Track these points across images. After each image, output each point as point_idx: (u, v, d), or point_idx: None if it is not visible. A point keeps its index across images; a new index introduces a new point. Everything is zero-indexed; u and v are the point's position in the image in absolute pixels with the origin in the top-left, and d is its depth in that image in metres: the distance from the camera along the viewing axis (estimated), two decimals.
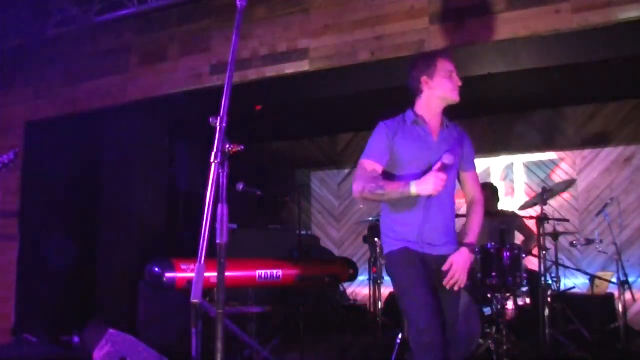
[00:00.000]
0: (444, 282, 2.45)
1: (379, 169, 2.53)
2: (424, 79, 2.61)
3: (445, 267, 2.47)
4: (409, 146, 2.53)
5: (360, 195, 2.48)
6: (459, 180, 2.75)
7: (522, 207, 5.00)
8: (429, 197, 2.43)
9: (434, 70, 2.60)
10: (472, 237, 2.57)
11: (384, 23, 3.93)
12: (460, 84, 2.63)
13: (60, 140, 5.63)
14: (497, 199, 5.18)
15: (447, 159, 2.43)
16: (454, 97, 2.61)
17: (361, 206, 7.23)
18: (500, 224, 4.86)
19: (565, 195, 6.28)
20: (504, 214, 5.11)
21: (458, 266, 2.45)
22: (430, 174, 2.36)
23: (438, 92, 2.60)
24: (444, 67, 2.60)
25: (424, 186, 2.34)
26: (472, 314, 3.94)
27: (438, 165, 2.44)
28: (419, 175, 2.44)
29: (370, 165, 2.53)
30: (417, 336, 2.33)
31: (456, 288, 2.45)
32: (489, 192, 5.09)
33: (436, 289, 2.43)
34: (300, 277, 3.62)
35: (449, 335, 2.39)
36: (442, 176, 2.34)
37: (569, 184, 5.01)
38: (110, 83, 5.11)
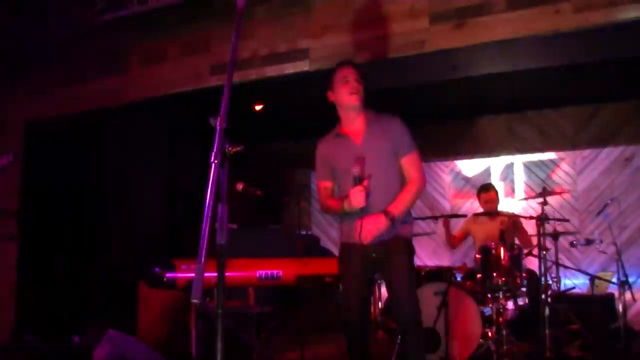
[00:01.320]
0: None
1: (329, 185, 2.87)
2: (329, 93, 2.85)
3: (356, 225, 2.63)
4: (339, 157, 2.80)
5: (324, 212, 2.94)
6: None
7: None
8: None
9: (332, 81, 2.82)
10: (393, 206, 2.68)
11: (384, 23, 3.93)
12: (356, 86, 2.76)
13: (60, 140, 5.63)
14: (498, 200, 5.21)
15: (355, 170, 2.60)
16: (351, 101, 2.77)
17: None
18: (500, 224, 4.86)
19: (565, 195, 6.29)
20: (504, 214, 5.11)
21: (366, 225, 2.60)
22: (349, 192, 2.61)
23: (340, 100, 2.81)
24: (340, 75, 2.80)
25: (351, 203, 2.61)
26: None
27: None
28: None
29: (321, 184, 2.89)
30: (341, 315, 2.78)
31: (365, 241, 2.62)
32: (494, 192, 5.12)
33: (367, 276, 2.80)
34: (300, 277, 3.62)
35: (398, 312, 2.74)
36: (358, 189, 2.57)
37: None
38: (111, 83, 5.11)
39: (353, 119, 2.82)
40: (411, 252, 2.80)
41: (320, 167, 2.89)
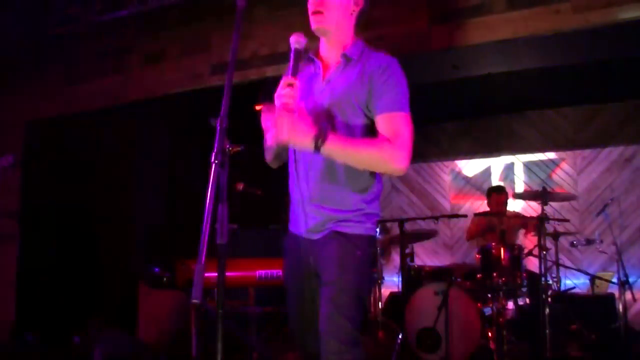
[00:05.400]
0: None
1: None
2: None
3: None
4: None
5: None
6: None
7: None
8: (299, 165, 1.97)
9: None
10: (333, 135, 1.80)
11: (384, 23, 3.93)
12: (311, 7, 1.95)
13: (60, 140, 5.63)
14: (506, 204, 5.25)
15: (295, 40, 1.85)
16: (311, 25, 1.97)
17: None
18: (500, 224, 4.86)
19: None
20: (505, 214, 5.12)
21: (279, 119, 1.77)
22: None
23: None
24: None
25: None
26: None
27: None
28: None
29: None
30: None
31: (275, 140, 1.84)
32: (505, 195, 5.16)
33: (303, 281, 2.00)
34: None
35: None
36: (286, 81, 1.79)
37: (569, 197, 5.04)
38: (110, 83, 5.11)
39: (328, 50, 2.01)
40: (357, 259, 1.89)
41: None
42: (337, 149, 1.80)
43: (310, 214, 1.97)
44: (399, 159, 1.83)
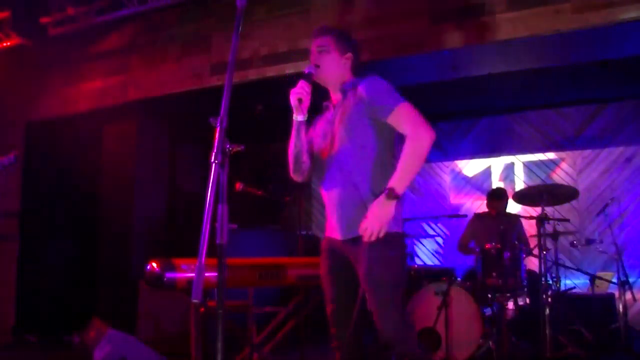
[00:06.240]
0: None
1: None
2: None
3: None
4: (315, 130, 2.53)
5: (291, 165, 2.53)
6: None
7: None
8: (328, 170, 2.36)
9: None
10: (393, 180, 2.15)
11: (384, 23, 3.93)
12: (314, 59, 2.41)
13: (60, 140, 5.63)
14: (506, 207, 5.21)
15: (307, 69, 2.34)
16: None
17: None
18: (500, 224, 4.86)
19: None
20: (505, 214, 5.11)
21: (369, 215, 2.13)
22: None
23: None
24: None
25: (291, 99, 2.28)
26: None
27: None
28: None
29: None
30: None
31: (366, 238, 2.13)
32: (505, 201, 5.12)
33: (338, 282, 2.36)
34: (300, 277, 3.62)
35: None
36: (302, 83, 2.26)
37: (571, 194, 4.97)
38: (111, 83, 5.12)
39: (333, 92, 2.49)
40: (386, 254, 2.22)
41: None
42: (404, 186, 2.18)
43: (342, 219, 2.31)
44: (425, 137, 2.19)
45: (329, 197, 2.37)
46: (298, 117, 2.33)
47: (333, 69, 2.42)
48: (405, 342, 2.25)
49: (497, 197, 5.13)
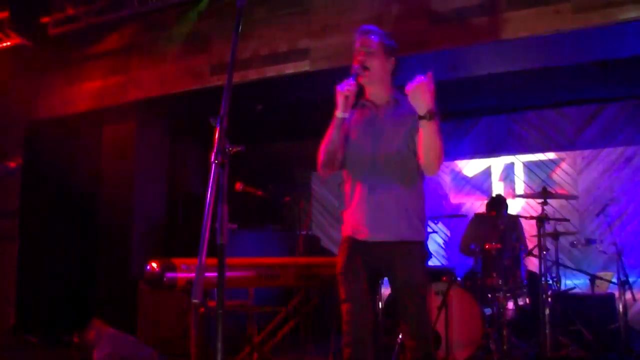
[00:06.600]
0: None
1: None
2: None
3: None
4: (356, 126, 2.59)
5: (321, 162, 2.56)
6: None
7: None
8: (368, 177, 2.41)
9: None
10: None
11: (384, 23, 3.93)
12: (357, 55, 2.47)
13: (60, 140, 5.63)
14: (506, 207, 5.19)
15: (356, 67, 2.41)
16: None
17: None
18: (501, 225, 4.85)
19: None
20: (506, 215, 5.11)
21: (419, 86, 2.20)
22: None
23: None
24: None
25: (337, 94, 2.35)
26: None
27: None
28: None
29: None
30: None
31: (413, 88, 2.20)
32: (504, 209, 5.08)
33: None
34: (300, 277, 3.62)
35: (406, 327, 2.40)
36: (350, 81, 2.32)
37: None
38: (111, 83, 5.12)
39: (374, 95, 2.54)
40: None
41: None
42: (435, 126, 2.22)
43: (381, 220, 2.37)
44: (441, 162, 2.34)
45: (368, 196, 2.39)
46: (342, 114, 2.36)
47: (382, 73, 2.50)
48: (431, 345, 2.43)
49: (495, 207, 5.08)
